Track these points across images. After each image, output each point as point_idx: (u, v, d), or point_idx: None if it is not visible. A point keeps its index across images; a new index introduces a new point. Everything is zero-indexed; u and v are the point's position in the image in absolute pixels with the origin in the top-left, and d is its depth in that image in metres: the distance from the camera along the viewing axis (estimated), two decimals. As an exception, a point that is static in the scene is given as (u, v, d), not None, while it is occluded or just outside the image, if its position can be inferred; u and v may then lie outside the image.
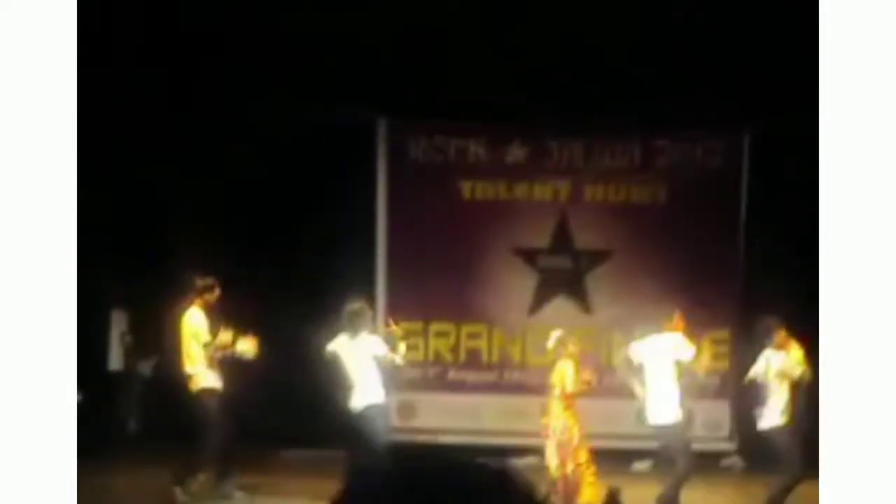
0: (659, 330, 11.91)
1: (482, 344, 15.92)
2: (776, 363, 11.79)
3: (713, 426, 15.36)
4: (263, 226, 14.78)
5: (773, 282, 14.82)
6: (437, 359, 15.87)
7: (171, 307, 12.06)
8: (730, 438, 15.64)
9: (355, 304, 12.10)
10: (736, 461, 15.50)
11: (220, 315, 12.06)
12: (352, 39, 14.63)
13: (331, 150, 14.92)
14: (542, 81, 14.82)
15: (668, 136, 15.78)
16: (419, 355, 15.83)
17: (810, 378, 11.56)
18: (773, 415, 11.72)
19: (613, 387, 14.38)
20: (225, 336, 11.79)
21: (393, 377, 15.56)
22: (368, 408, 12.04)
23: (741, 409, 15.43)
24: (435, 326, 15.85)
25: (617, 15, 14.45)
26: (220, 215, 14.67)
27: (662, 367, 11.75)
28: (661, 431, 11.85)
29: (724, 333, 15.50)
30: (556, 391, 11.71)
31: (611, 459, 13.40)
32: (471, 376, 15.60)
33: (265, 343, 12.09)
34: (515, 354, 15.85)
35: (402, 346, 12.44)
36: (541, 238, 16.02)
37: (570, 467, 11.48)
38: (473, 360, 15.77)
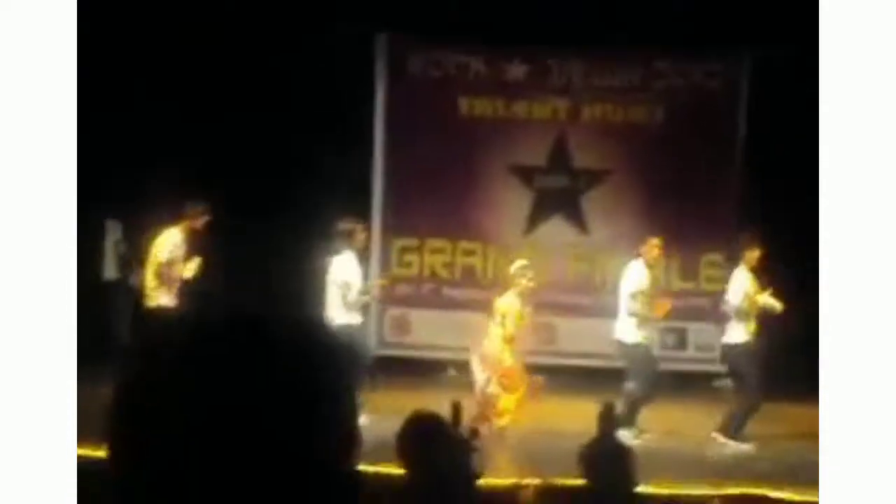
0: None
1: (477, 261, 15.96)
2: (747, 285, 11.92)
3: (705, 348, 15.43)
4: (261, 143, 14.72)
5: (769, 205, 14.85)
6: (433, 275, 15.91)
7: (161, 222, 12.15)
8: (721, 360, 15.71)
9: (346, 224, 12.04)
10: (727, 382, 15.59)
11: (210, 236, 12.16)
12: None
13: (330, 65, 14.83)
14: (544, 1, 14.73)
15: (667, 57, 15.72)
16: (414, 271, 15.91)
17: (776, 308, 11.70)
18: (737, 332, 11.87)
19: (607, 307, 14.47)
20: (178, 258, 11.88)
21: (386, 294, 15.70)
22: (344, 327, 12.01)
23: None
24: (430, 243, 15.87)
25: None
26: (218, 133, 14.61)
27: (623, 292, 12.09)
28: (622, 349, 12.14)
29: (718, 256, 15.53)
30: (498, 320, 11.86)
31: (603, 378, 13.49)
32: (465, 293, 15.62)
33: (258, 266, 12.16)
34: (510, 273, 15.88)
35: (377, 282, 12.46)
36: (538, 157, 16.01)
37: (492, 382, 11.66)
38: (468, 278, 15.81)
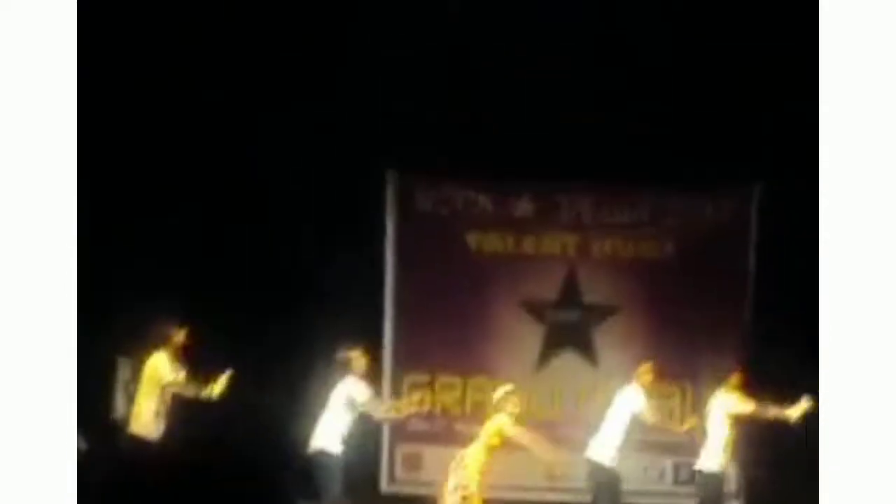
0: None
1: (488, 397, 15.85)
2: (727, 404, 12.04)
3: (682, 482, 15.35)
4: (270, 278, 14.77)
5: (778, 340, 14.81)
6: (444, 411, 15.82)
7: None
8: (736, 496, 15.57)
9: (344, 353, 12.08)
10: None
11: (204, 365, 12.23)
12: (361, 90, 14.71)
13: (339, 202, 14.94)
14: (551, 136, 14.86)
15: (676, 192, 15.79)
16: (425, 408, 15.83)
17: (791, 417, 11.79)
18: (711, 456, 11.99)
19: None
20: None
21: (398, 430, 15.63)
22: (320, 453, 11.95)
23: (747, 467, 15.42)
24: (441, 379, 15.83)
25: (623, 70, 14.55)
26: (226, 267, 14.67)
27: (616, 413, 12.47)
28: (594, 471, 12.42)
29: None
30: (483, 440, 11.84)
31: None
32: (477, 429, 15.45)
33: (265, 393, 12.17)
34: (522, 408, 15.79)
35: (404, 402, 12.43)
36: (548, 292, 16.01)
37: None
38: (479, 414, 15.68)
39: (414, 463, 15.72)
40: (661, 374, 12.53)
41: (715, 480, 12.16)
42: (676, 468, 15.37)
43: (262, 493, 13.73)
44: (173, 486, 12.00)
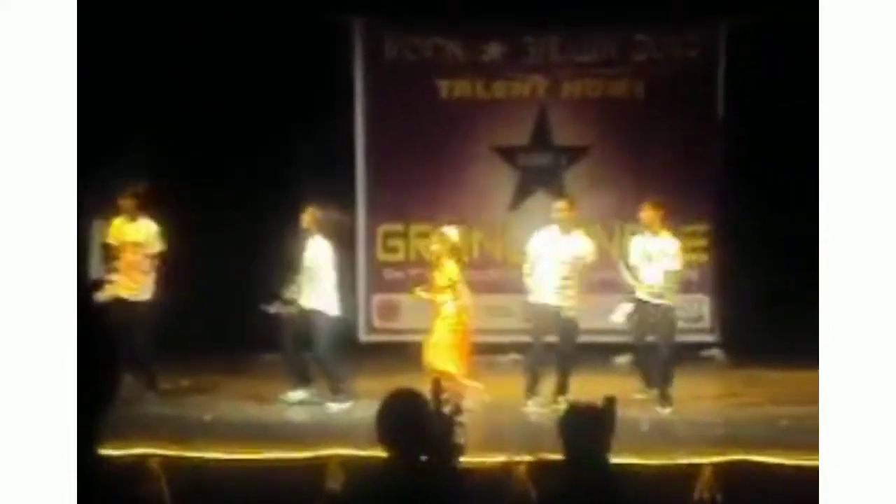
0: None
1: (463, 243, 15.93)
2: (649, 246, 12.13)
3: (694, 318, 15.48)
4: (237, 130, 14.69)
5: (751, 174, 14.89)
6: (418, 259, 15.88)
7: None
8: (710, 331, 15.78)
9: (311, 212, 12.12)
10: (716, 353, 15.65)
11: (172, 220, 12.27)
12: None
13: (306, 52, 14.81)
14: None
15: (645, 30, 15.70)
16: (400, 256, 15.92)
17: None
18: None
19: (592, 283, 14.51)
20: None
21: (373, 280, 15.74)
22: (314, 313, 12.05)
23: (722, 303, 15.61)
24: (415, 227, 15.87)
25: None
26: (192, 121, 14.59)
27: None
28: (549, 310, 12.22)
29: (702, 226, 15.60)
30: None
31: (594, 354, 13.53)
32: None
33: (234, 251, 12.24)
34: (496, 253, 15.92)
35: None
36: (519, 135, 16.01)
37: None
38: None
39: (390, 312, 15.83)
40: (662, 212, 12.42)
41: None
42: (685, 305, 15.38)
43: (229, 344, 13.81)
44: (159, 345, 12.13)
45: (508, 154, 16.01)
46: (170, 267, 12.41)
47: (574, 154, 15.98)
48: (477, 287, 14.55)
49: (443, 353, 11.87)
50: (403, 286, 15.55)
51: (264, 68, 14.59)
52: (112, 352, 1.93)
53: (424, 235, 15.85)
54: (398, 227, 15.89)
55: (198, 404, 12.08)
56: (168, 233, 12.42)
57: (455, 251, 12.25)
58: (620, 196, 15.17)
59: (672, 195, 13.71)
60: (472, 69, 15.88)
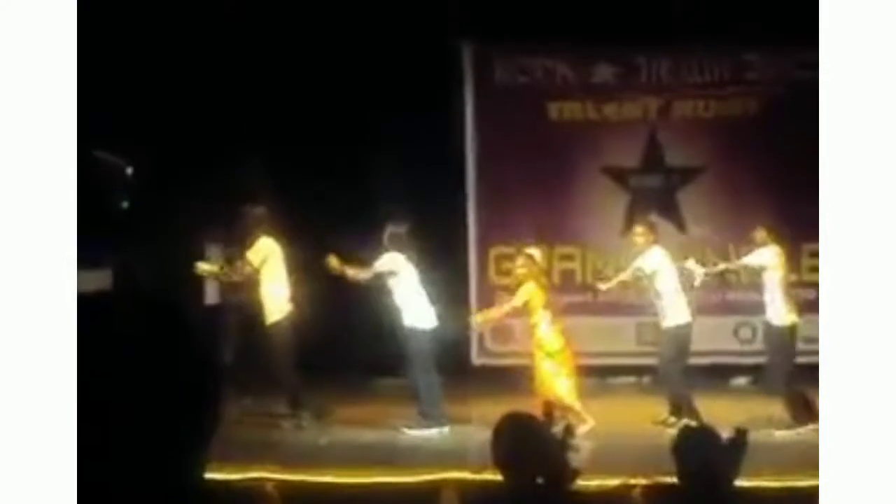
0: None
1: (575, 265, 15.90)
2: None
3: (814, 340, 15.20)
4: (350, 154, 14.79)
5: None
6: (530, 282, 15.84)
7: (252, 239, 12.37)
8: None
9: (398, 227, 12.16)
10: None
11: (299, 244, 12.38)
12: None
13: (417, 76, 14.86)
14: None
15: (757, 48, 15.54)
16: (512, 278, 15.88)
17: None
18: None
19: (710, 304, 14.38)
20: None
21: (486, 301, 15.71)
22: (414, 331, 12.07)
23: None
24: (527, 250, 15.80)
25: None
26: (306, 150, 14.71)
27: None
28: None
29: (818, 246, 15.35)
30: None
31: (710, 376, 13.41)
32: (565, 298, 15.53)
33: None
34: (609, 275, 15.81)
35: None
36: (631, 157, 15.93)
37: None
38: (567, 282, 15.73)
39: (504, 335, 15.79)
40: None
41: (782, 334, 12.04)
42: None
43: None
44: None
45: (620, 176, 15.93)
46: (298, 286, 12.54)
47: (686, 175, 15.85)
48: (590, 310, 14.54)
49: (547, 379, 11.82)
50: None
51: (376, 92, 14.66)
52: (216, 373, 1.95)
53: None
54: (510, 249, 15.85)
55: (314, 428, 12.15)
56: (288, 254, 12.52)
57: (540, 273, 12.20)
58: (735, 217, 14.98)
59: (788, 214, 13.54)
60: (582, 91, 15.84)
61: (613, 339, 15.15)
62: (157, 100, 13.84)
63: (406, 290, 12.13)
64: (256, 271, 12.36)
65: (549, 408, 5.41)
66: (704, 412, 11.25)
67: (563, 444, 5.15)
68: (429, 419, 11.94)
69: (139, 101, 13.60)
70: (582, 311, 15.25)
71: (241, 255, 12.53)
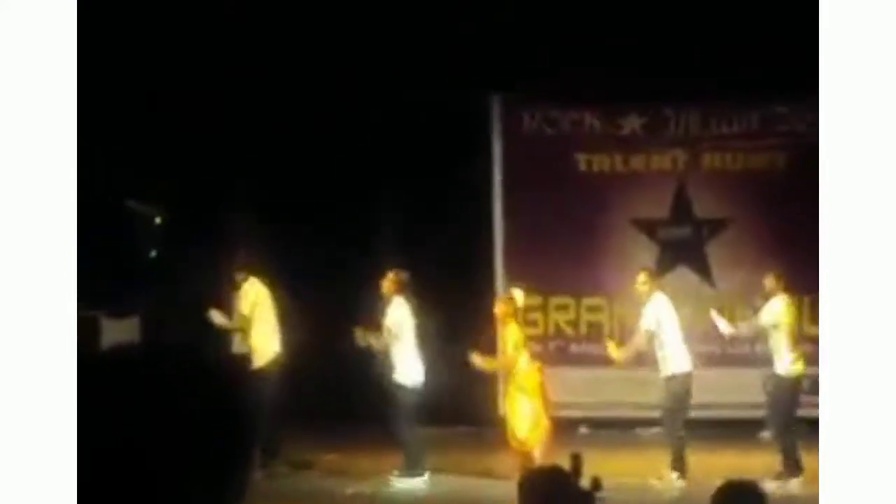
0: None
1: (603, 317, 15.85)
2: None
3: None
4: (377, 205, 14.83)
5: None
6: (558, 333, 15.83)
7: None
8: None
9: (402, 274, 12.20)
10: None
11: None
12: (464, 16, 14.65)
13: (446, 128, 14.93)
14: (656, 51, 14.67)
15: (785, 101, 15.54)
16: (539, 329, 15.82)
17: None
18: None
19: (736, 356, 14.32)
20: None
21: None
22: (402, 387, 12.09)
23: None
24: (555, 300, 15.82)
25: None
26: (333, 197, 14.77)
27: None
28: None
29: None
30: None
31: (737, 428, 13.32)
32: (592, 349, 15.49)
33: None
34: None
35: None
36: (659, 208, 15.91)
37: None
38: (594, 334, 15.68)
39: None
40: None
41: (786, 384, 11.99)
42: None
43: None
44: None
45: (648, 227, 15.90)
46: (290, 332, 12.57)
47: (715, 227, 15.81)
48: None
49: (520, 423, 11.80)
50: (543, 359, 15.48)
51: (406, 143, 14.74)
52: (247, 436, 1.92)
53: (563, 308, 15.82)
54: (537, 300, 15.81)
55: (338, 477, 12.13)
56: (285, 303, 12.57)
57: (518, 314, 12.21)
58: (760, 269, 14.91)
59: (814, 267, 13.48)
60: (610, 142, 15.87)
61: (642, 390, 15.05)
62: (182, 147, 13.98)
63: (403, 346, 12.16)
64: (248, 319, 12.41)
65: (578, 461, 5.39)
66: (735, 466, 11.16)
67: (590, 497, 5.13)
68: (412, 470, 11.99)
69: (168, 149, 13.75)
70: (611, 363, 15.19)
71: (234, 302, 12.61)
